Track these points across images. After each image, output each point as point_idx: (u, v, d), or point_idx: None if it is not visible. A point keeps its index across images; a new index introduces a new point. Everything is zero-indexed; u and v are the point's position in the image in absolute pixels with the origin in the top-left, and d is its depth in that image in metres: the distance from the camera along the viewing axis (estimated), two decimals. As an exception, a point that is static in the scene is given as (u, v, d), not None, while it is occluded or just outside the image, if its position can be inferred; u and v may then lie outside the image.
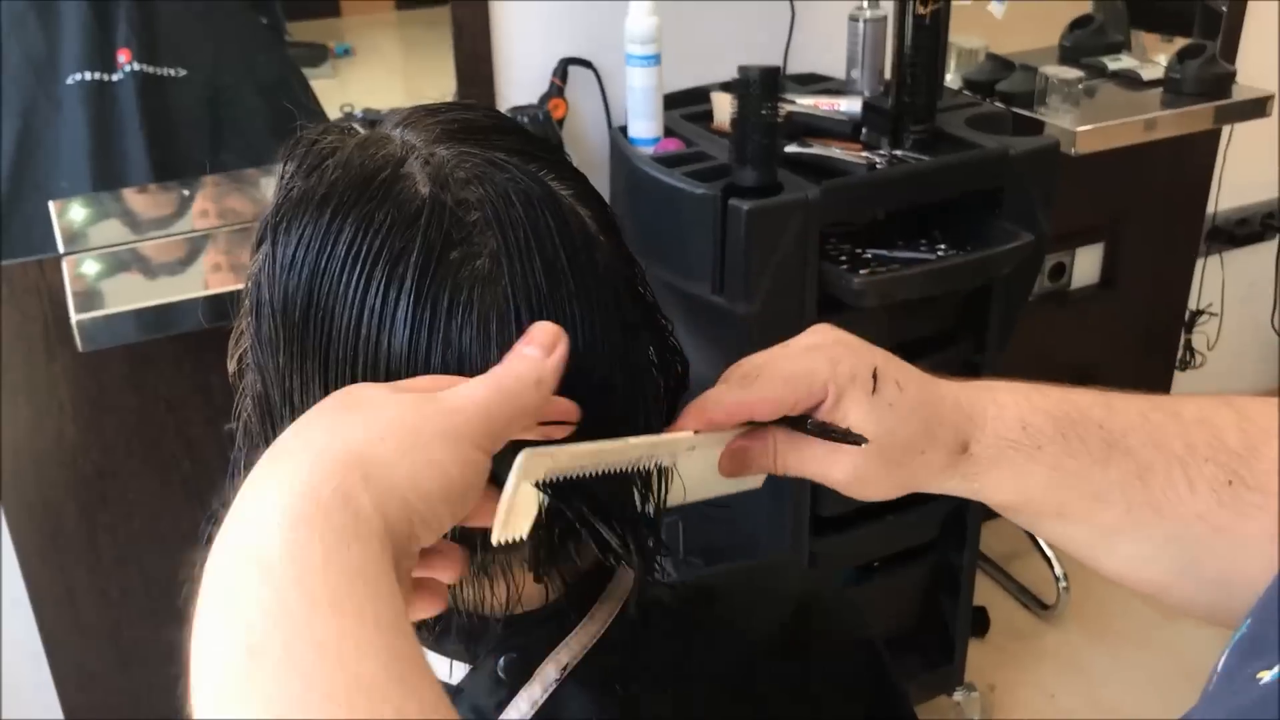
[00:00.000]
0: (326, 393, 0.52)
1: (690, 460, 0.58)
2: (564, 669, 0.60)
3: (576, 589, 0.62)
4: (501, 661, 0.60)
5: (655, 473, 0.58)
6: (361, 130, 0.59)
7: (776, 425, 0.59)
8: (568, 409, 0.52)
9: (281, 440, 0.45)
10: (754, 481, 0.62)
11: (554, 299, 0.53)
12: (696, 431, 0.57)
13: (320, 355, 0.53)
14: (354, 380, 0.52)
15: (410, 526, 0.43)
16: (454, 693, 0.61)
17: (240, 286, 0.60)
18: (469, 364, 0.51)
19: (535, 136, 0.60)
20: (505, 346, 0.51)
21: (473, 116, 0.58)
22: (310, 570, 0.39)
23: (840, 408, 0.58)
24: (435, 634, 0.61)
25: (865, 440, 0.58)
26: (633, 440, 0.54)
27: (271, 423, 0.56)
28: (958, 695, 2.11)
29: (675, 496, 0.59)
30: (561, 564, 0.59)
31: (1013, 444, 0.60)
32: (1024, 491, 0.60)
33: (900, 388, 0.59)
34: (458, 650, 0.61)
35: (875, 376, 0.59)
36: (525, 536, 0.49)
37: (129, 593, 1.83)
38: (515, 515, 0.49)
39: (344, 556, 0.39)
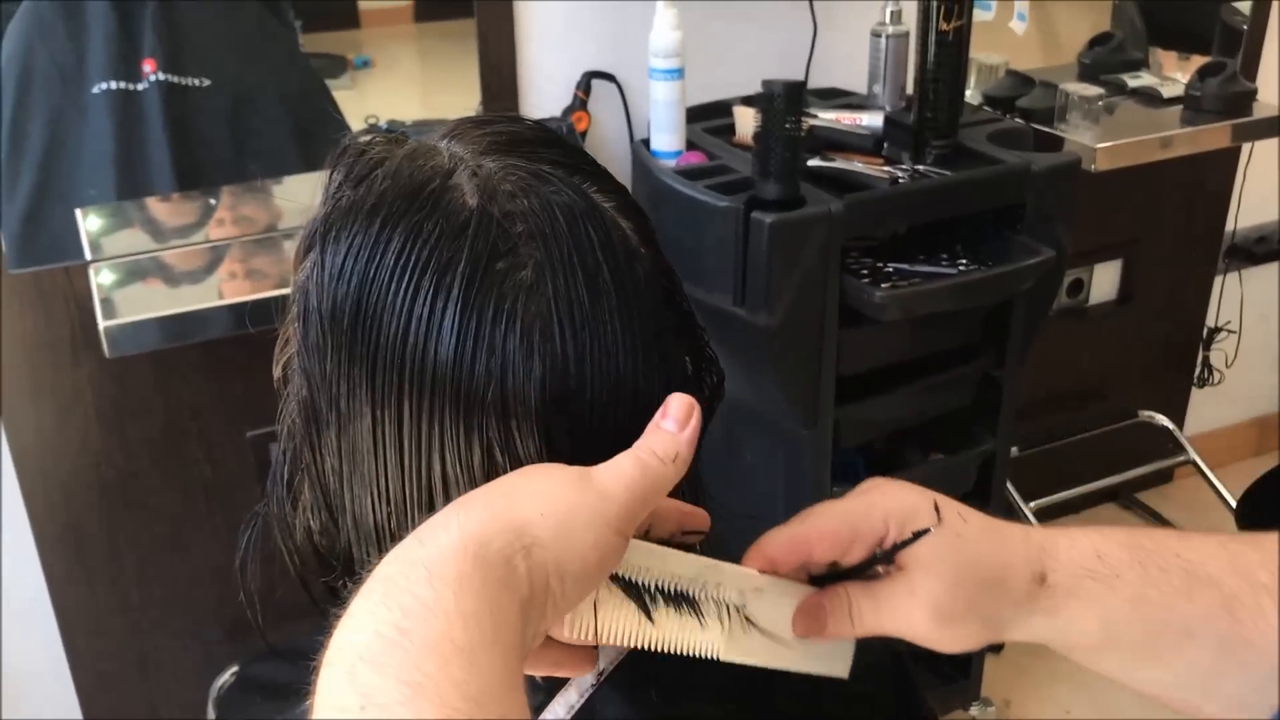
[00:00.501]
0: (372, 399, 0.54)
1: (762, 609, 0.57)
2: (600, 674, 0.61)
3: None
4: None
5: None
6: (408, 140, 0.60)
7: (849, 581, 0.58)
8: (703, 520, 0.57)
9: (473, 493, 0.49)
10: (839, 664, 0.60)
11: (595, 310, 0.54)
12: (762, 571, 0.57)
13: (368, 362, 0.53)
14: (401, 386, 0.53)
15: (545, 600, 0.47)
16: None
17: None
18: (512, 372, 0.52)
19: (579, 150, 0.61)
20: (547, 356, 0.52)
21: (519, 129, 0.59)
22: (465, 591, 0.44)
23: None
24: None
25: (938, 523, 0.56)
26: (696, 558, 0.56)
27: (316, 428, 0.57)
28: (974, 710, 2.11)
29: (756, 656, 0.58)
30: None
31: (1090, 573, 0.57)
32: (1108, 626, 0.57)
33: (964, 519, 0.58)
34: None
35: (936, 508, 0.57)
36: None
37: (150, 596, 1.85)
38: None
39: (495, 597, 0.45)
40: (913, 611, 0.56)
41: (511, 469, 0.53)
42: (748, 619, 0.56)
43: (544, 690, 0.60)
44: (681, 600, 0.55)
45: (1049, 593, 0.57)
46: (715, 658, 0.56)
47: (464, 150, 0.57)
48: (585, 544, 0.48)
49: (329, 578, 0.60)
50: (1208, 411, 2.76)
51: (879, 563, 0.57)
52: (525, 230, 0.54)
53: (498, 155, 0.57)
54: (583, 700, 0.60)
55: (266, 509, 0.62)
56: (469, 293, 0.52)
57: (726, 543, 0.59)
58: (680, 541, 0.56)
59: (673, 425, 0.52)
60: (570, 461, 0.52)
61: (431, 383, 0.52)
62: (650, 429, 0.53)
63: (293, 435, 0.59)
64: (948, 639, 0.57)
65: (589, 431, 0.54)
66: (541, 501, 0.48)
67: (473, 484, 0.53)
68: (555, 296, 0.53)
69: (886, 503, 0.57)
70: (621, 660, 0.61)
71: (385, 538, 0.56)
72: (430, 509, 0.53)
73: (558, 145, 0.60)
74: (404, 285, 0.53)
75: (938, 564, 0.56)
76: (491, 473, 0.53)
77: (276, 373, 0.61)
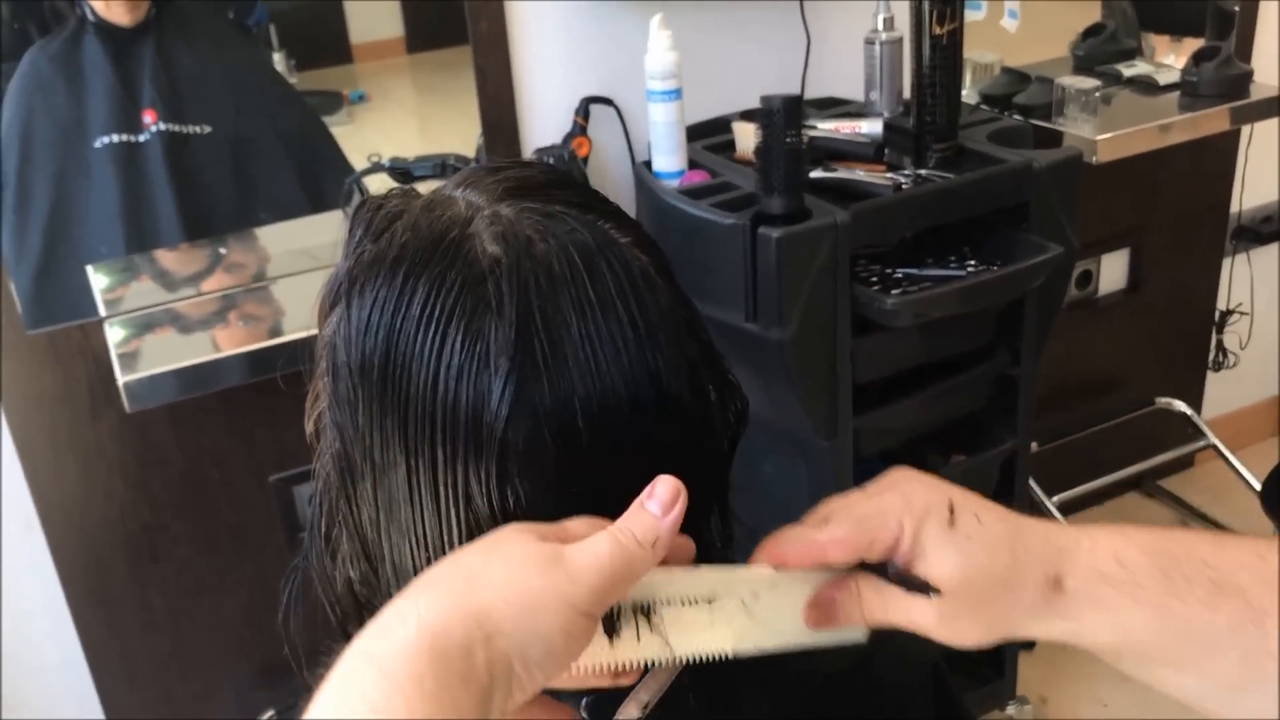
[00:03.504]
0: (406, 449, 0.54)
1: (776, 601, 0.58)
2: (645, 707, 0.61)
3: None
4: (585, 701, 0.61)
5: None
6: (422, 193, 0.60)
7: (860, 572, 0.58)
8: (687, 553, 0.56)
9: (434, 570, 0.50)
10: (855, 633, 0.60)
11: (617, 348, 0.54)
12: (777, 568, 0.57)
13: (399, 412, 0.54)
14: (433, 434, 0.54)
15: (509, 685, 0.48)
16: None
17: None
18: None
19: (591, 189, 0.62)
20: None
21: (531, 173, 0.60)
22: (417, 695, 0.44)
23: (918, 543, 0.56)
24: None
25: (938, 591, 0.56)
26: (706, 569, 0.55)
27: (352, 480, 0.57)
28: (1010, 709, 2.10)
29: (766, 641, 0.58)
30: None
31: (1108, 579, 0.56)
32: (1126, 634, 0.56)
33: (979, 520, 0.57)
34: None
35: (951, 509, 0.57)
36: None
37: (181, 644, 1.85)
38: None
39: (451, 695, 0.45)
40: (918, 609, 0.57)
41: (543, 513, 0.53)
42: (757, 610, 0.57)
43: None
44: (686, 606, 0.55)
45: (1064, 598, 0.56)
46: (726, 656, 0.56)
47: (479, 198, 0.58)
48: (551, 629, 0.48)
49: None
50: (1224, 394, 2.76)
51: (889, 579, 0.57)
52: (545, 272, 0.54)
53: (512, 200, 0.58)
54: None
55: (306, 562, 0.62)
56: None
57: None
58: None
59: (656, 508, 0.52)
60: (596, 497, 0.53)
61: (465, 430, 0.53)
62: (633, 509, 0.52)
63: (328, 488, 0.59)
64: (956, 635, 0.57)
65: (612, 467, 0.55)
66: (505, 587, 0.47)
67: None
68: (580, 337, 0.54)
69: (902, 503, 0.57)
70: (666, 691, 0.61)
71: None
72: None
73: (570, 186, 0.61)
74: (431, 334, 0.53)
75: (945, 565, 0.56)
76: (524, 516, 0.54)
77: (309, 428, 0.61)
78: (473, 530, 0.54)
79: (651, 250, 0.60)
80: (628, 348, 0.55)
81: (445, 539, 0.55)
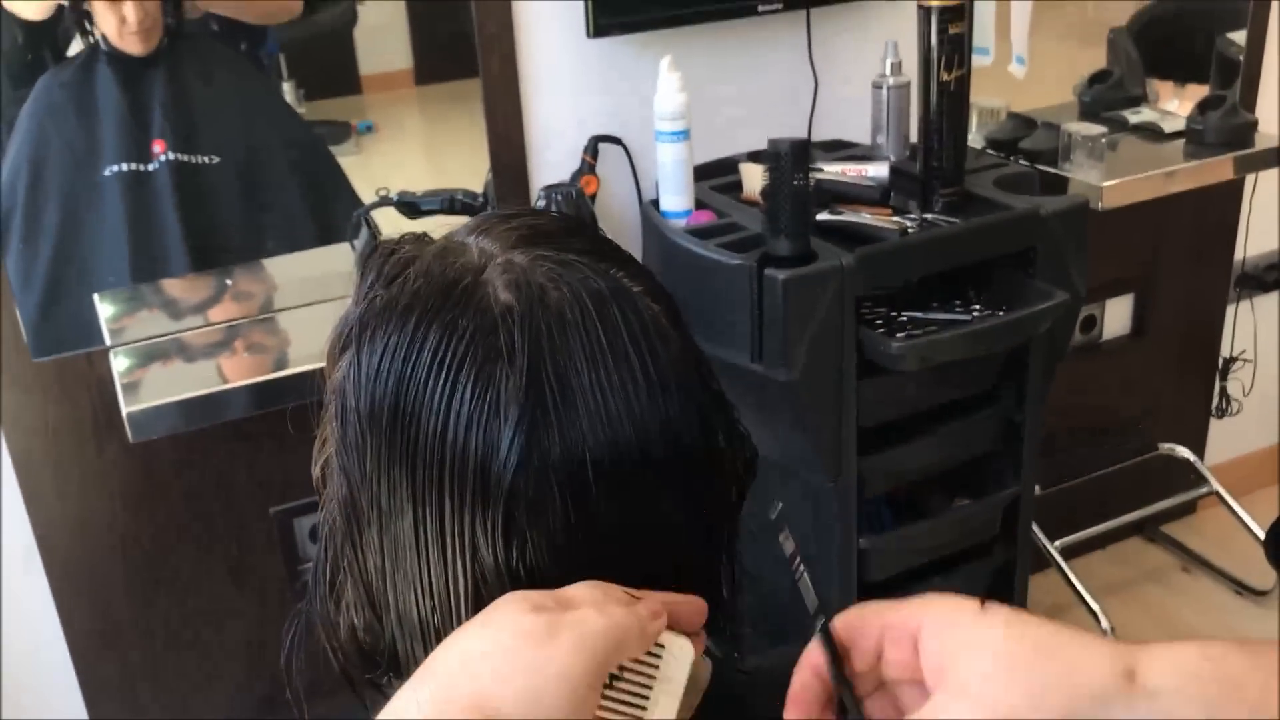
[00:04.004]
0: (414, 497, 0.54)
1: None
2: None
3: None
4: None
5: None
6: (435, 238, 0.60)
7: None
8: (700, 608, 0.55)
9: (434, 656, 0.49)
10: None
11: (628, 397, 0.54)
12: None
13: (408, 460, 0.54)
14: (441, 482, 0.53)
15: None
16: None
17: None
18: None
19: (604, 238, 0.62)
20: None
21: (543, 221, 0.60)
22: None
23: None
24: None
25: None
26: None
27: (358, 527, 0.57)
28: None
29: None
30: None
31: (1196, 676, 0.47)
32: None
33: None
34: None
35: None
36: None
37: (182, 675, 1.84)
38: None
39: None
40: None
41: (551, 563, 0.53)
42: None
43: None
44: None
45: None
46: None
47: (492, 245, 0.58)
48: (554, 705, 0.47)
49: (374, 674, 0.60)
50: (1228, 440, 2.75)
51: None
52: (558, 320, 0.54)
53: (525, 248, 0.58)
54: None
55: (309, 607, 0.62)
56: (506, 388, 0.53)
57: (766, 616, 0.59)
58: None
59: (644, 610, 0.51)
60: (605, 548, 0.52)
61: (474, 478, 0.53)
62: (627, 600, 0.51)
63: (334, 534, 0.59)
64: None
65: (621, 517, 0.55)
66: (504, 666, 0.47)
67: (515, 580, 0.53)
68: (591, 385, 0.53)
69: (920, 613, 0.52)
70: None
71: (430, 633, 0.56)
72: (476, 603, 0.53)
73: (583, 234, 0.61)
74: (442, 382, 0.53)
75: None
76: (531, 568, 0.53)
77: (315, 472, 0.61)
78: (479, 581, 0.54)
79: (663, 299, 0.60)
80: (639, 396, 0.55)
81: (451, 589, 0.54)
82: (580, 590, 0.51)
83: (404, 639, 0.57)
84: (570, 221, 0.62)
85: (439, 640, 0.50)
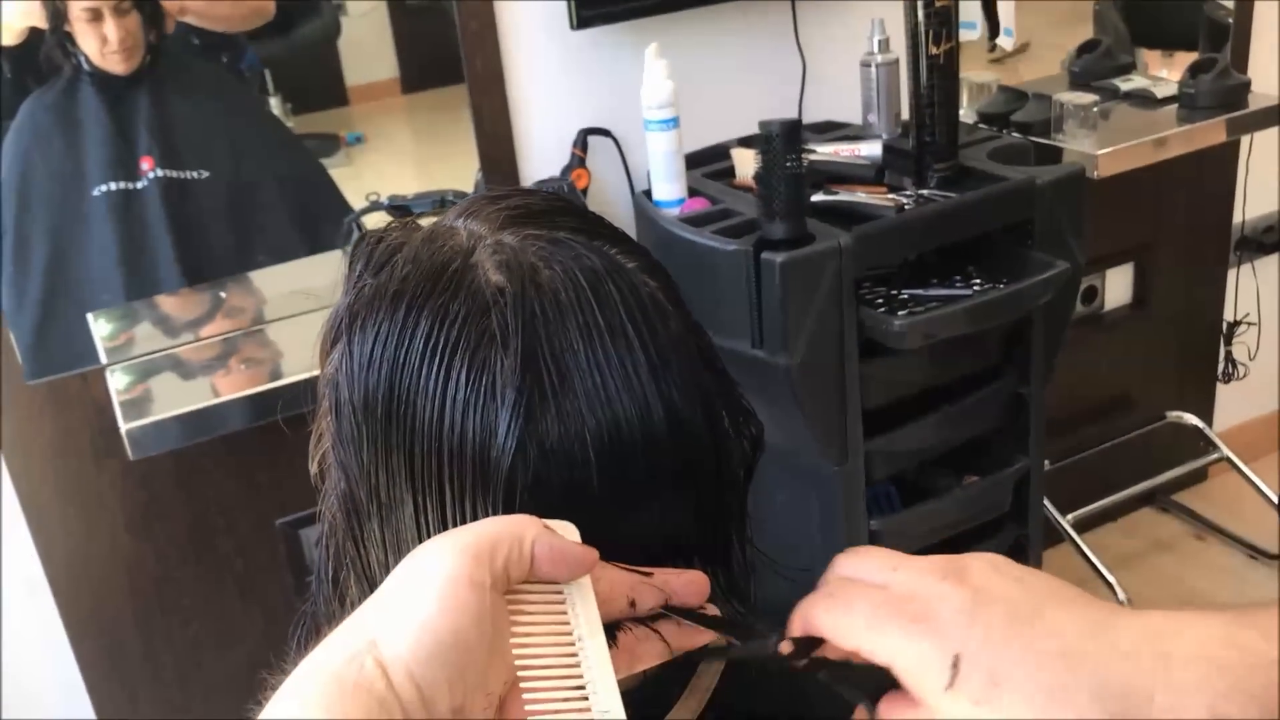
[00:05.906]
0: (413, 486, 0.53)
1: None
2: None
3: (672, 664, 0.61)
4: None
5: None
6: (423, 224, 0.59)
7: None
8: (701, 583, 0.52)
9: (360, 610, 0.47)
10: None
11: (628, 376, 0.53)
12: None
13: (405, 449, 0.53)
14: (440, 470, 0.52)
15: (424, 705, 0.43)
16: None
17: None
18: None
19: (596, 215, 0.61)
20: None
21: (533, 201, 0.59)
22: (301, 703, 0.42)
23: None
24: None
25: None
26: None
27: (358, 521, 0.56)
28: None
29: None
30: None
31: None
32: None
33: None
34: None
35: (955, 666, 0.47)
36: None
37: (191, 694, 1.83)
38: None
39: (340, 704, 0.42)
40: None
41: None
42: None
43: None
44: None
45: None
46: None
47: (481, 227, 0.56)
48: (431, 610, 0.44)
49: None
50: (1236, 406, 2.74)
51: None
52: (552, 300, 0.53)
53: (515, 229, 0.56)
54: None
55: (314, 607, 0.60)
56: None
57: (780, 595, 0.57)
58: (630, 617, 0.51)
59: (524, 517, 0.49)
60: (607, 532, 0.50)
61: (472, 464, 0.51)
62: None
63: (334, 530, 0.58)
64: None
65: (624, 499, 0.53)
66: (381, 598, 0.46)
67: None
68: (589, 365, 0.52)
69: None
70: None
71: None
72: None
73: (573, 212, 0.59)
74: (435, 368, 0.52)
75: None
76: None
77: (313, 469, 0.60)
78: None
79: (660, 275, 0.59)
80: (639, 374, 0.53)
81: None
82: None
83: None
84: (560, 200, 0.60)
85: None
